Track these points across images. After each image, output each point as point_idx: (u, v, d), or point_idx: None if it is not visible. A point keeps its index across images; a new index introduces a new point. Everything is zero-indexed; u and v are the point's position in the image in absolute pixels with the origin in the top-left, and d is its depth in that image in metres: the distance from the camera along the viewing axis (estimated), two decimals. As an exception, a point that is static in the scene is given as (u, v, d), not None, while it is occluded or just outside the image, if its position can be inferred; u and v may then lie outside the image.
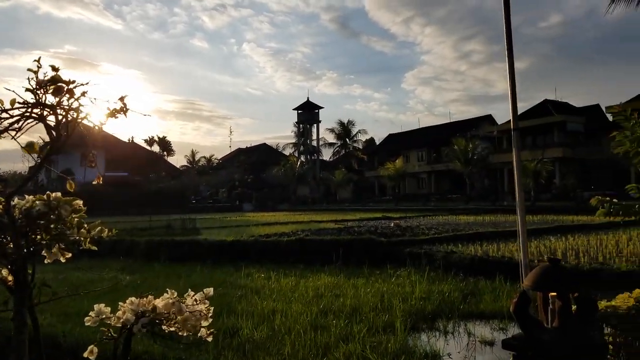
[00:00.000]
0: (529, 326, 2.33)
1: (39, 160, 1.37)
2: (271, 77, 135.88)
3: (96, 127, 1.37)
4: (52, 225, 1.47)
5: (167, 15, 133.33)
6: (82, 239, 1.52)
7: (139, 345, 4.11)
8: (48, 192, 1.50)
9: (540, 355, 2.29)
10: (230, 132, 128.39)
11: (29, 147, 1.29)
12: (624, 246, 9.90)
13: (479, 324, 5.62)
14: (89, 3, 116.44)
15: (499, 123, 53.16)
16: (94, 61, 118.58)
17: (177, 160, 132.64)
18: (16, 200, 1.49)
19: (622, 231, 13.14)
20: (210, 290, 1.65)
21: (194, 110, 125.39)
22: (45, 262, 1.62)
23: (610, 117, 36.23)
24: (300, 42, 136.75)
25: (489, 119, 58.07)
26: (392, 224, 17.94)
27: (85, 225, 1.53)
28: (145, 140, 70.62)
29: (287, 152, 70.34)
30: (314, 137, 68.82)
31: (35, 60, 1.28)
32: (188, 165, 72.46)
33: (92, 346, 1.48)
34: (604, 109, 43.44)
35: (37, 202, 1.47)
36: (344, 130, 69.60)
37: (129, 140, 63.47)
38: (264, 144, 79.27)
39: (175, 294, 1.56)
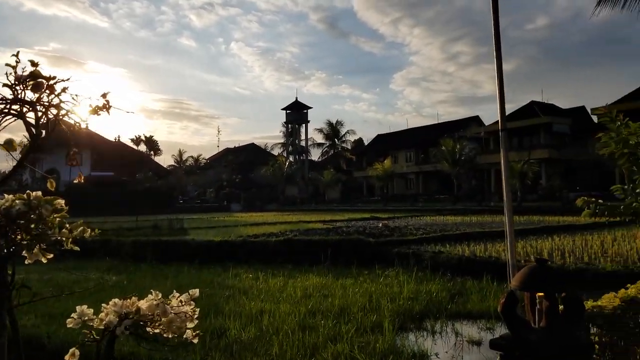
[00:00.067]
0: (516, 326, 2.33)
1: (19, 159, 1.33)
2: (259, 77, 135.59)
3: (77, 125, 1.34)
4: (32, 225, 1.43)
5: (154, 13, 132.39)
6: (63, 239, 1.49)
7: (125, 346, 4.07)
8: (28, 191, 1.46)
9: (527, 355, 2.29)
10: (218, 131, 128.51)
11: (8, 145, 1.25)
12: (608, 246, 10.03)
13: (467, 323, 5.65)
14: (75, 0, 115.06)
15: (486, 124, 53.62)
16: (80, 59, 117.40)
17: (165, 159, 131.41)
18: (-4, 199, 1.45)
19: (607, 231, 13.32)
20: (195, 292, 1.62)
21: (181, 109, 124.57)
22: (26, 262, 1.58)
23: (595, 119, 36.72)
24: (289, 41, 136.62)
25: (476, 120, 58.53)
26: (380, 224, 17.98)
27: (67, 225, 1.49)
28: (132, 140, 69.90)
29: (275, 152, 70.26)
30: (303, 137, 68.83)
31: (13, 55, 1.24)
32: (175, 165, 71.88)
33: (73, 349, 1.44)
34: (589, 111, 44.02)
35: (16, 201, 1.43)
36: (333, 131, 69.68)
37: (115, 139, 62.79)
38: (252, 143, 78.98)
39: (160, 295, 1.53)
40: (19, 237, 1.44)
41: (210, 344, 4.71)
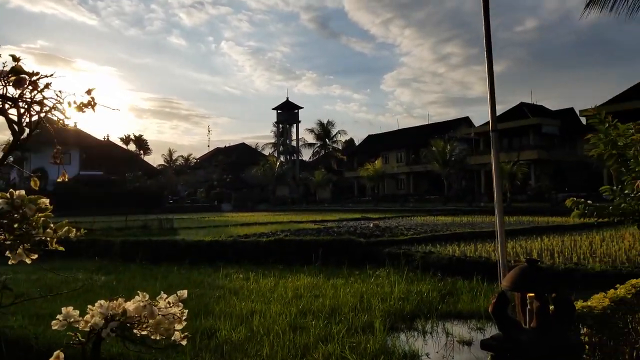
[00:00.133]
0: (507, 327, 2.33)
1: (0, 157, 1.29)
2: (250, 76, 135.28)
3: (61, 122, 1.30)
4: (15, 225, 1.39)
5: (144, 11, 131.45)
6: (48, 239, 1.45)
7: (114, 347, 4.02)
8: (11, 189, 1.43)
9: (518, 356, 2.29)
10: (209, 131, 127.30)
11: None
12: (597, 247, 10.11)
13: (457, 323, 5.66)
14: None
15: (476, 125, 53.91)
16: (68, 57, 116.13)
17: (154, 159, 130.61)
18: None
19: (595, 232, 13.44)
20: (184, 293, 1.59)
21: (171, 108, 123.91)
22: (10, 263, 1.55)
23: (584, 120, 37.13)
24: (280, 41, 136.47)
25: (466, 121, 58.82)
26: (371, 225, 18.00)
27: (52, 225, 1.46)
28: (122, 139, 69.34)
29: (266, 152, 70.07)
30: (294, 137, 68.74)
31: (-6, 50, 1.20)
32: (165, 164, 71.43)
33: (58, 351, 1.41)
34: (578, 112, 44.41)
35: (-1, 200, 1.39)
36: (324, 131, 69.67)
37: (104, 138, 62.26)
38: (243, 143, 78.71)
39: (147, 296, 1.50)
40: (1, 237, 1.40)
41: (201, 344, 4.68)
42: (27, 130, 1.31)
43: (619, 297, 3.04)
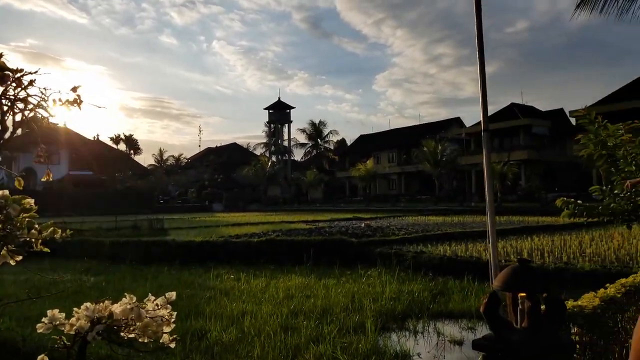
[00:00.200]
0: (498, 327, 2.33)
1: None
2: (242, 76, 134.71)
3: (46, 120, 1.27)
4: (-1, 226, 1.36)
5: (135, 10, 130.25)
6: (32, 240, 1.42)
7: (103, 349, 3.97)
8: (-6, 190, 1.39)
9: (509, 356, 2.29)
10: (200, 131, 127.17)
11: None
12: (586, 246, 10.19)
13: (448, 323, 5.67)
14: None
15: (467, 125, 54.18)
16: (58, 56, 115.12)
17: (145, 159, 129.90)
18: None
19: (584, 232, 13.55)
20: (172, 295, 1.56)
21: (162, 108, 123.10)
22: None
23: (574, 121, 37.40)
24: (272, 41, 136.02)
25: (457, 121, 59.10)
26: (362, 225, 18.01)
27: (37, 226, 1.42)
28: (112, 139, 68.94)
29: (258, 152, 69.87)
30: (286, 137, 68.64)
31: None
32: (156, 164, 70.99)
33: (42, 355, 1.38)
34: (567, 113, 44.79)
35: (-18, 200, 1.36)
36: (316, 131, 69.64)
37: (94, 138, 61.80)
38: (234, 143, 78.42)
39: (134, 299, 1.47)
40: (-15, 238, 1.37)
41: (191, 345, 4.64)
42: (10, 129, 1.27)
43: (609, 297, 3.06)
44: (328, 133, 70.22)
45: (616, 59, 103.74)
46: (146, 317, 1.44)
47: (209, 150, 76.53)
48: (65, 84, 1.37)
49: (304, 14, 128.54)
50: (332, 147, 70.75)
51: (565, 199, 5.17)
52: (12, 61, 1.30)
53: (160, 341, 1.48)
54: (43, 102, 1.27)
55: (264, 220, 24.24)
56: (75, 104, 1.27)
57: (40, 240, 1.43)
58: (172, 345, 1.50)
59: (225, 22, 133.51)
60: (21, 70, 1.22)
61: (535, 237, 12.47)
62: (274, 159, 65.68)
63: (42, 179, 1.52)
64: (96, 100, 1.33)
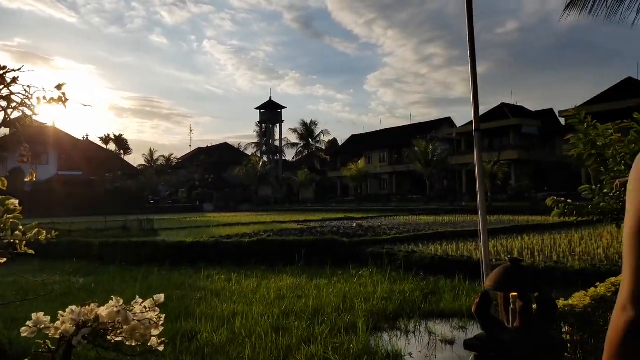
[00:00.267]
0: (490, 326, 2.32)
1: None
2: (232, 76, 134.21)
3: (28, 119, 1.24)
4: (-18, 227, 1.32)
5: (124, 9, 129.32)
6: (16, 241, 1.38)
7: (91, 352, 3.92)
8: (-23, 190, 1.36)
9: (501, 355, 2.28)
10: (190, 131, 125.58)
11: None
12: (576, 245, 10.27)
13: (440, 322, 5.67)
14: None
15: (457, 125, 54.42)
16: (47, 55, 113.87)
17: (135, 159, 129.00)
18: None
19: (574, 231, 13.66)
20: (160, 297, 1.54)
21: (152, 107, 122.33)
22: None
23: (563, 121, 37.70)
24: (263, 40, 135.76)
25: (448, 121, 59.35)
26: (354, 224, 18.02)
27: (21, 227, 1.39)
28: (101, 138, 68.41)
29: (249, 152, 69.63)
30: (277, 137, 68.49)
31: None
32: (146, 164, 70.51)
33: (27, 359, 1.34)
34: (557, 113, 45.17)
35: (-35, 201, 1.32)
36: (307, 131, 69.57)
37: (83, 138, 61.21)
38: (225, 143, 78.11)
39: (121, 301, 1.44)
40: (-33, 240, 1.33)
41: (181, 347, 4.60)
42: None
43: (599, 295, 3.07)
44: (319, 133, 70.25)
45: (605, 59, 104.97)
46: (133, 320, 1.41)
47: (199, 150, 76.13)
48: (54, 83, 1.34)
49: (295, 14, 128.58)
50: (323, 147, 70.73)
51: (555, 198, 5.19)
52: (0, 60, 1.27)
53: (149, 344, 1.45)
54: (27, 100, 1.24)
55: (255, 220, 24.16)
56: (60, 102, 1.24)
57: (24, 242, 1.40)
58: (161, 348, 1.47)
59: (216, 21, 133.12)
60: (4, 68, 1.19)
61: (526, 236, 12.55)
62: (265, 158, 65.52)
63: (26, 179, 1.49)
64: (86, 99, 1.30)
